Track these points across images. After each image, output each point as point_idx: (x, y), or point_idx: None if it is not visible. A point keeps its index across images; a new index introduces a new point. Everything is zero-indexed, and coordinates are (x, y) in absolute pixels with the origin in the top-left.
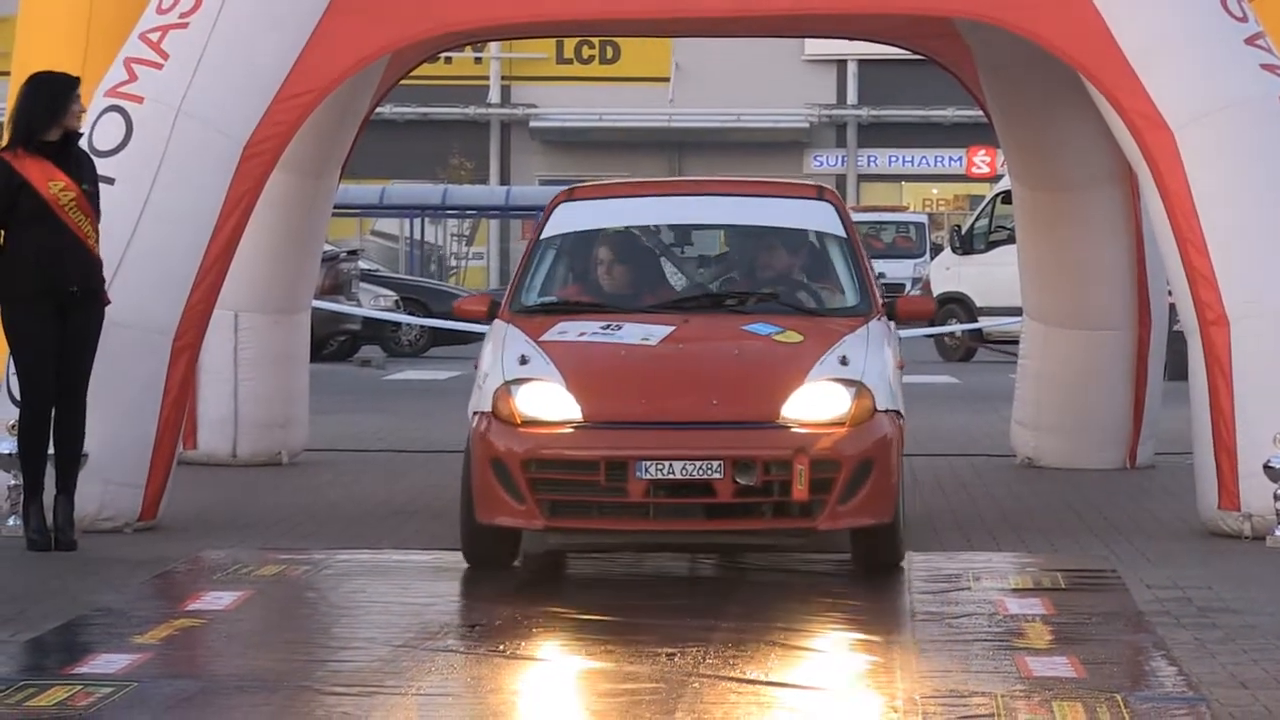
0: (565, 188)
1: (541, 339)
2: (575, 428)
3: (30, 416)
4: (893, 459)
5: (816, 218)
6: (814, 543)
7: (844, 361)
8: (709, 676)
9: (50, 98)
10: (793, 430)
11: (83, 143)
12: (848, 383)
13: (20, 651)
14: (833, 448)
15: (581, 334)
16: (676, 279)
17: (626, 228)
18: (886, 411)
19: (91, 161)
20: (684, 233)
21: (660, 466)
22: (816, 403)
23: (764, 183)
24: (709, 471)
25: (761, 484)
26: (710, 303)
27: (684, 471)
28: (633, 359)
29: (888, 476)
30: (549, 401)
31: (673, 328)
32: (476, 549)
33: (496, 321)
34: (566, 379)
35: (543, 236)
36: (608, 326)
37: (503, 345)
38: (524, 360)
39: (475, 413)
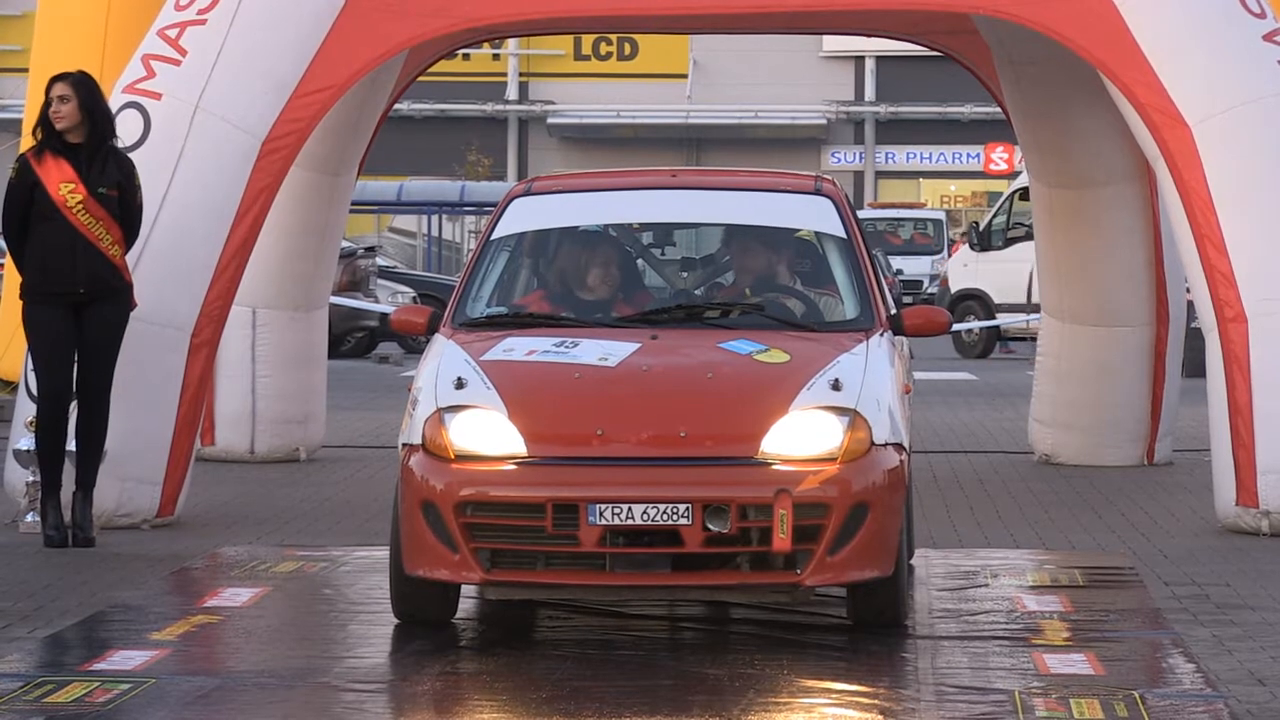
0: (524, 180)
1: (483, 358)
2: (518, 464)
3: (44, 413)
4: (893, 501)
5: (811, 215)
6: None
7: (836, 385)
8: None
9: (45, 100)
10: (774, 468)
11: None
12: (840, 411)
13: (38, 648)
14: (821, 489)
15: (530, 352)
16: (645, 288)
17: (588, 227)
18: (887, 445)
19: (125, 164)
20: (655, 233)
21: (617, 511)
22: (803, 435)
23: (752, 174)
24: (675, 517)
25: (737, 531)
26: (683, 316)
27: (645, 516)
28: (587, 383)
29: (887, 522)
30: (487, 433)
31: (637, 345)
32: (405, 604)
33: (436, 336)
34: (508, 406)
35: (493, 237)
36: (562, 343)
37: (438, 365)
38: (460, 384)
39: (404, 445)
